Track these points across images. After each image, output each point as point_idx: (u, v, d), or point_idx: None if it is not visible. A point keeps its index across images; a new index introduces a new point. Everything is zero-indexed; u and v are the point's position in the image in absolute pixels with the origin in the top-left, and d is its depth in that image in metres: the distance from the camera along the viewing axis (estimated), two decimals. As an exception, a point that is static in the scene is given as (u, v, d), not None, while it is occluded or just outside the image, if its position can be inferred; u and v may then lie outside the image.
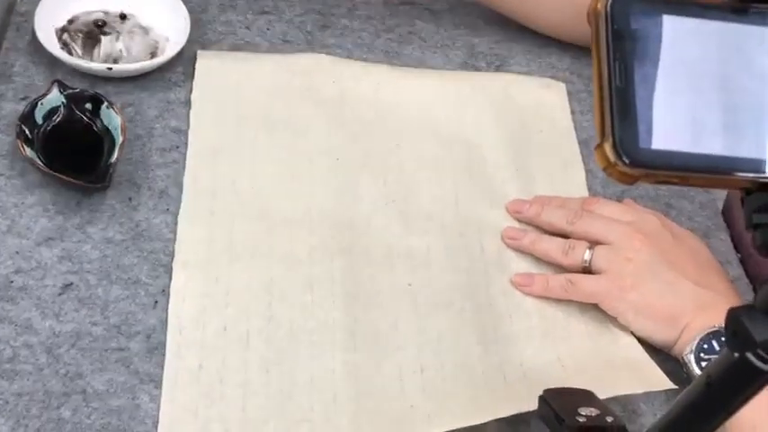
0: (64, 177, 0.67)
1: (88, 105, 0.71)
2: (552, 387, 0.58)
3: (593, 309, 0.70)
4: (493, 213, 0.75)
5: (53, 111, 0.71)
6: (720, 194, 0.85)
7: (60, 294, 0.64)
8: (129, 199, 0.70)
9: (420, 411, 0.62)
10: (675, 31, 0.37)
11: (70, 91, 0.71)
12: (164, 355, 0.62)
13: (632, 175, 0.35)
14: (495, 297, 0.70)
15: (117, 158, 0.69)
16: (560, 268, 0.72)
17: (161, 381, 0.61)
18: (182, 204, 0.70)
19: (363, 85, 0.81)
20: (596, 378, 0.64)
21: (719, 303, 0.65)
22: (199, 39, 0.82)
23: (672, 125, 0.36)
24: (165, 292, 0.65)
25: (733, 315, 0.36)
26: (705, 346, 0.64)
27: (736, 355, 0.37)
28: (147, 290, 0.66)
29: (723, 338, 0.53)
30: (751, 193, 0.36)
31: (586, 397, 0.58)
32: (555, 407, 0.56)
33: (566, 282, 0.69)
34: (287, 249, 0.69)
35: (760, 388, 0.38)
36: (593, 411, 0.55)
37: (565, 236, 0.72)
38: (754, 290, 0.76)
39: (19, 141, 0.68)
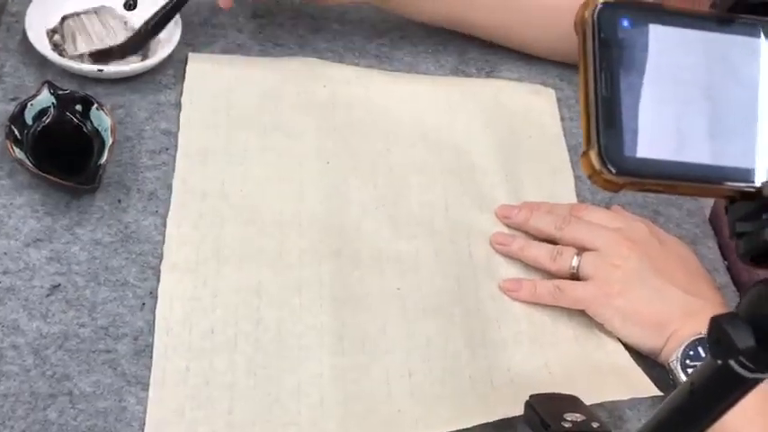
0: (53, 178, 0.67)
1: (78, 107, 0.71)
2: (538, 392, 0.59)
3: (581, 315, 0.70)
4: (482, 218, 0.75)
5: (43, 112, 0.71)
6: (708, 202, 0.86)
7: (48, 296, 0.64)
8: (119, 201, 0.70)
9: (408, 415, 0.62)
10: (662, 40, 0.37)
11: (60, 92, 0.71)
12: (151, 357, 0.62)
13: (617, 183, 0.35)
14: (483, 302, 0.70)
15: (106, 160, 0.69)
16: (548, 274, 0.72)
17: (148, 383, 0.61)
18: (171, 206, 0.70)
19: (354, 90, 0.82)
20: (583, 384, 0.65)
21: (706, 310, 0.66)
22: (190, 41, 0.82)
23: (657, 134, 0.36)
24: (153, 294, 0.65)
25: (716, 322, 0.36)
26: (691, 352, 0.65)
27: (719, 362, 0.37)
28: (134, 292, 0.66)
29: (708, 345, 0.54)
30: (735, 201, 0.37)
31: (572, 402, 0.58)
32: (541, 412, 0.56)
33: (553, 288, 0.70)
34: (276, 252, 0.69)
35: (742, 395, 0.38)
36: (578, 417, 0.56)
37: (553, 242, 0.73)
38: (741, 297, 0.77)
39: (8, 142, 0.68)
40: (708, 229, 0.82)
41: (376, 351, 0.65)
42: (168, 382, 0.61)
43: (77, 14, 0.80)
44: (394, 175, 0.77)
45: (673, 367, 0.66)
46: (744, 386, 0.38)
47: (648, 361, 0.69)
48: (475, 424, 0.61)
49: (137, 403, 0.60)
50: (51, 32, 0.79)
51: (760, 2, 0.38)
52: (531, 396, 0.58)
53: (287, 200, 0.73)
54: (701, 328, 0.65)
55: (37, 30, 0.77)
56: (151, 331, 0.64)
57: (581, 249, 0.70)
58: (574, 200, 0.80)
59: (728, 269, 0.79)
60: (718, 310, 0.60)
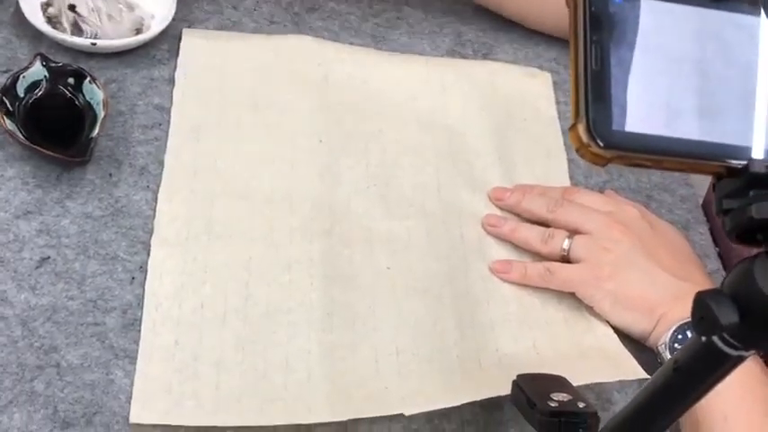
0: (44, 151, 0.67)
1: (71, 80, 0.71)
2: (526, 372, 0.59)
3: (571, 297, 0.70)
4: (474, 200, 0.75)
5: (35, 84, 0.71)
6: (701, 188, 0.86)
7: (37, 268, 0.64)
8: (110, 175, 0.70)
9: (394, 393, 0.62)
10: (653, 15, 0.37)
11: (53, 64, 0.71)
12: (139, 331, 0.62)
13: (605, 156, 0.35)
14: (473, 283, 0.70)
15: (98, 133, 0.69)
16: (539, 256, 0.72)
17: (136, 356, 0.61)
18: (162, 182, 0.70)
19: (348, 69, 0.81)
20: (570, 365, 0.65)
21: (696, 295, 0.66)
22: (185, 17, 0.82)
23: (646, 108, 0.36)
24: (143, 268, 0.65)
25: (700, 299, 0.36)
26: (680, 336, 0.65)
27: (703, 339, 0.37)
28: (124, 266, 0.65)
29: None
30: (722, 178, 0.37)
31: (559, 383, 0.58)
32: (527, 391, 0.56)
33: (544, 270, 0.70)
34: (266, 229, 0.69)
35: (726, 373, 0.38)
36: (565, 397, 0.55)
37: (545, 224, 0.73)
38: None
39: (0, 114, 0.68)
40: (700, 215, 0.82)
41: (364, 329, 0.65)
42: (156, 356, 0.61)
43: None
44: (386, 155, 0.77)
45: (661, 351, 0.66)
46: (727, 363, 0.38)
47: (637, 344, 0.69)
48: (462, 402, 0.61)
49: (124, 376, 0.60)
50: (45, 5, 0.78)
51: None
52: (518, 376, 0.58)
53: (279, 177, 0.73)
54: (689, 312, 0.65)
55: (31, 2, 0.76)
56: (140, 305, 0.63)
57: (572, 232, 0.70)
58: (567, 183, 0.79)
59: (720, 255, 0.79)
60: (708, 294, 0.60)
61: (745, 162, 0.36)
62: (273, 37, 0.83)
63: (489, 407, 0.63)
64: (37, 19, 0.76)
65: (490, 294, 0.70)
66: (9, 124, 0.68)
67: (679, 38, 0.37)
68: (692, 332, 0.64)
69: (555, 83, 0.87)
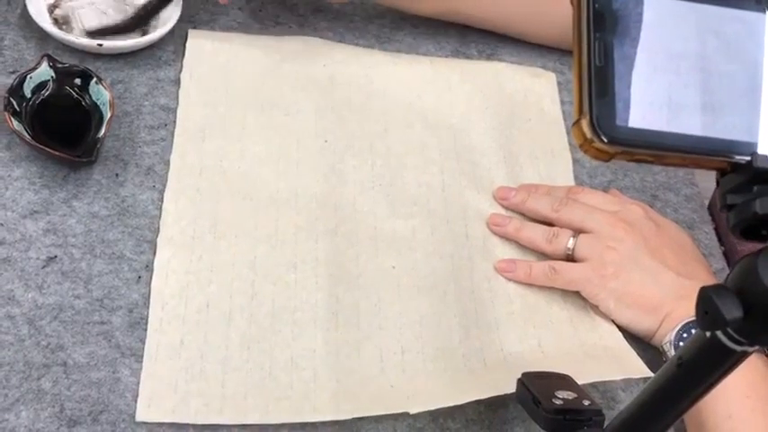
0: (51, 151, 0.67)
1: (77, 80, 0.71)
2: (531, 371, 0.59)
3: (575, 296, 0.70)
4: (479, 199, 0.75)
5: (42, 85, 0.71)
6: (707, 188, 0.86)
7: (44, 267, 0.64)
8: (116, 175, 0.71)
9: (399, 391, 0.62)
10: (656, 11, 0.37)
11: (59, 65, 0.71)
12: (145, 329, 0.62)
13: (608, 152, 0.35)
14: (478, 282, 0.70)
15: (105, 133, 0.69)
16: (544, 255, 0.72)
17: (142, 355, 0.61)
18: (168, 181, 0.70)
19: (354, 69, 0.82)
20: (575, 364, 0.65)
21: (700, 293, 0.66)
22: (190, 18, 0.82)
23: (649, 104, 0.36)
24: (149, 267, 0.66)
25: (704, 294, 0.36)
26: (684, 335, 0.65)
27: (707, 334, 0.37)
28: (130, 265, 0.66)
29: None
30: (726, 173, 0.37)
31: (564, 381, 0.58)
32: (532, 389, 0.56)
33: (548, 269, 0.70)
34: (272, 229, 0.69)
35: (730, 368, 0.39)
36: (569, 395, 0.56)
37: (549, 223, 0.73)
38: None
39: (6, 114, 0.68)
40: (705, 215, 0.82)
41: (369, 328, 0.65)
42: (162, 354, 0.61)
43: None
44: (391, 154, 0.77)
45: (666, 349, 0.66)
46: (732, 359, 0.38)
47: (642, 343, 0.69)
48: (467, 401, 0.61)
49: (130, 375, 0.60)
50: (52, 7, 0.79)
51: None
52: (523, 374, 0.58)
53: (284, 177, 0.73)
54: (694, 310, 0.65)
55: (37, 4, 0.77)
56: (146, 304, 0.64)
57: (577, 231, 0.71)
58: (571, 183, 0.80)
59: (725, 254, 0.79)
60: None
61: (748, 157, 0.36)
62: (279, 38, 0.83)
63: (494, 405, 0.64)
64: (44, 20, 0.76)
65: (495, 293, 0.70)
66: (16, 124, 0.68)
67: (682, 34, 0.37)
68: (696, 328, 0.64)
69: (559, 83, 0.87)
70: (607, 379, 0.65)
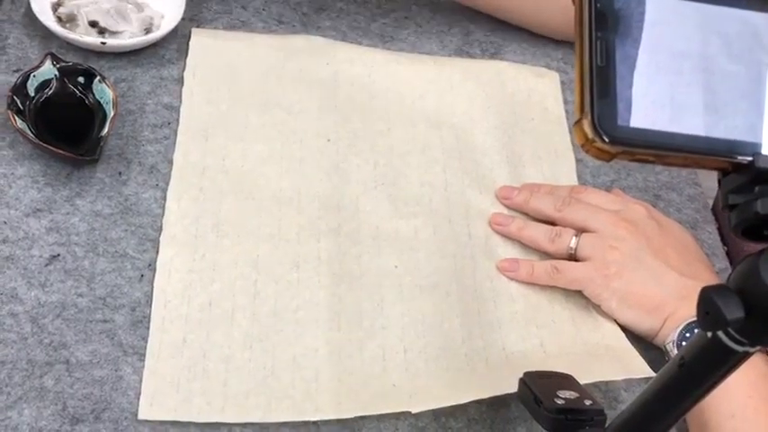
0: (54, 149, 0.67)
1: (81, 79, 0.72)
2: (533, 370, 0.59)
3: (578, 296, 0.70)
4: (481, 199, 0.75)
5: (45, 83, 0.71)
6: (711, 188, 0.85)
7: (47, 265, 0.65)
8: (119, 173, 0.71)
9: (401, 391, 0.62)
10: (658, 11, 0.37)
11: (63, 64, 0.71)
12: (148, 328, 0.62)
13: (609, 152, 0.35)
14: (480, 282, 0.70)
15: (108, 132, 0.69)
16: (546, 255, 0.72)
17: (144, 353, 0.61)
18: (171, 180, 0.70)
19: (357, 68, 0.82)
20: (578, 364, 0.65)
21: (703, 293, 0.66)
22: (194, 17, 0.82)
23: (651, 104, 0.36)
24: (152, 266, 0.66)
25: (705, 294, 0.36)
26: (687, 334, 0.65)
27: (709, 335, 0.37)
28: (133, 263, 0.66)
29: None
30: (728, 173, 0.37)
31: (566, 380, 0.58)
32: (534, 389, 0.56)
33: (551, 268, 0.70)
34: (275, 228, 0.69)
35: (732, 368, 0.39)
36: (571, 394, 0.56)
37: (552, 223, 0.73)
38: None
39: (10, 112, 0.68)
40: (708, 215, 0.82)
41: (372, 327, 0.65)
42: (164, 353, 0.61)
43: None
44: (394, 154, 0.77)
45: (669, 349, 0.66)
46: (733, 359, 0.38)
47: (644, 343, 0.69)
48: (469, 400, 0.61)
49: (133, 373, 0.61)
50: (56, 5, 0.79)
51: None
52: (524, 373, 0.58)
53: (287, 176, 0.73)
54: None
55: (41, 2, 0.77)
56: (149, 303, 0.64)
57: (580, 231, 0.70)
58: (574, 182, 0.80)
59: (728, 254, 0.79)
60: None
61: (750, 158, 0.36)
62: (282, 37, 0.83)
63: (496, 405, 0.64)
64: (48, 18, 0.76)
65: (497, 293, 0.70)
66: (19, 123, 0.68)
67: (684, 34, 0.37)
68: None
69: (563, 82, 0.87)
70: (609, 379, 0.65)
